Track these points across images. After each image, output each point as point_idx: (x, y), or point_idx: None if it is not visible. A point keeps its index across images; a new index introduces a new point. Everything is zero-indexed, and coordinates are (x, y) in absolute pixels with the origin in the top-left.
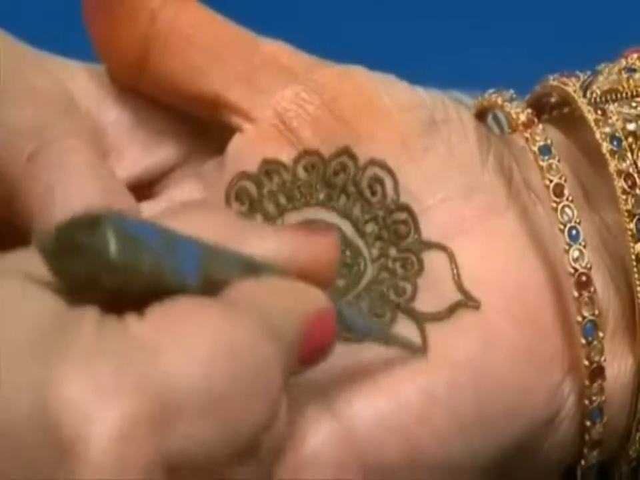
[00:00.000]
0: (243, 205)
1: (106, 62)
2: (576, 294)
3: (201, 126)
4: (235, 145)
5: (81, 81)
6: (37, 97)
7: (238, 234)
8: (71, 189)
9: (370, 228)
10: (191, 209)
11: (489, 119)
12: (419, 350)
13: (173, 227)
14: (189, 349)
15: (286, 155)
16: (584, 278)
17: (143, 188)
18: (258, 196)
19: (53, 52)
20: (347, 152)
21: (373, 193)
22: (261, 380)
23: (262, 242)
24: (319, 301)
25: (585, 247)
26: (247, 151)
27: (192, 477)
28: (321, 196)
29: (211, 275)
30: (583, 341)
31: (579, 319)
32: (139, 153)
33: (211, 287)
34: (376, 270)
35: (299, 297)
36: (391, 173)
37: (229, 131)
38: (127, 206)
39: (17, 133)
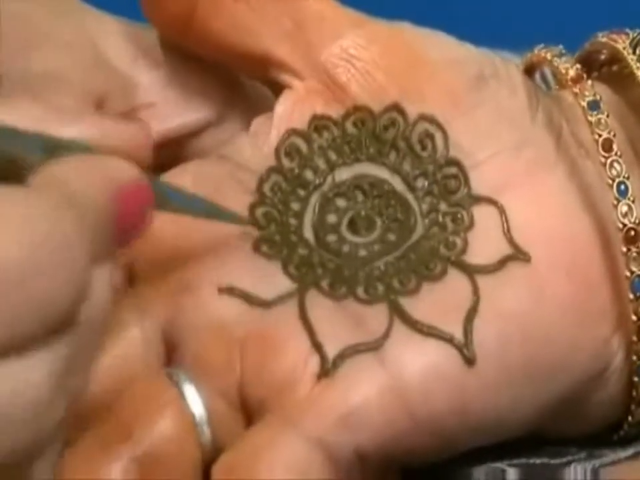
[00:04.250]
0: (293, 161)
1: (152, 19)
2: (624, 249)
3: (234, 87)
4: (284, 101)
5: (115, 38)
6: (59, 48)
7: (53, 121)
8: None
9: (420, 183)
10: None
11: (537, 77)
12: (247, 222)
13: None
14: None
15: (334, 111)
16: (632, 233)
17: (174, 145)
18: (308, 152)
19: (98, 7)
20: (396, 108)
21: (423, 148)
22: (61, 257)
23: (72, 127)
24: (128, 173)
25: (633, 201)
26: (295, 107)
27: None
28: (371, 151)
29: (7, 155)
30: (631, 296)
31: (627, 273)
32: (171, 111)
33: (11, 168)
34: (426, 225)
35: (106, 170)
36: (440, 127)
37: (260, 95)
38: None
39: (26, 79)
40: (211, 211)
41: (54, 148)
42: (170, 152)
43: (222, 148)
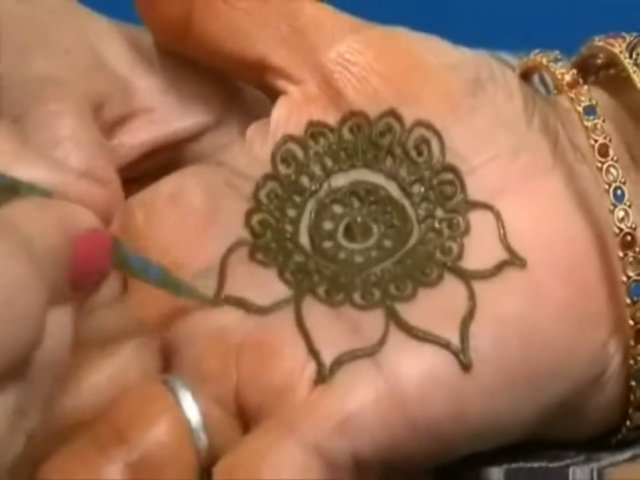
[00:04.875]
0: (289, 167)
1: (148, 24)
2: (621, 254)
3: (232, 91)
4: (280, 107)
5: (114, 42)
6: (58, 52)
7: (13, 159)
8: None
9: (416, 189)
10: None
11: (536, 80)
12: (205, 299)
13: None
14: None
15: (331, 117)
16: (629, 238)
17: (172, 149)
18: (304, 158)
19: (95, 10)
20: (392, 113)
21: (419, 154)
22: (15, 303)
23: (33, 169)
24: (87, 221)
25: (630, 206)
26: (291, 113)
27: None
28: (367, 157)
29: None
30: (628, 301)
31: (624, 278)
32: (169, 115)
33: None
34: (422, 231)
35: (62, 215)
36: (437, 133)
37: (259, 100)
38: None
39: (24, 82)
40: (168, 282)
41: (12, 188)
42: (168, 156)
43: (218, 154)
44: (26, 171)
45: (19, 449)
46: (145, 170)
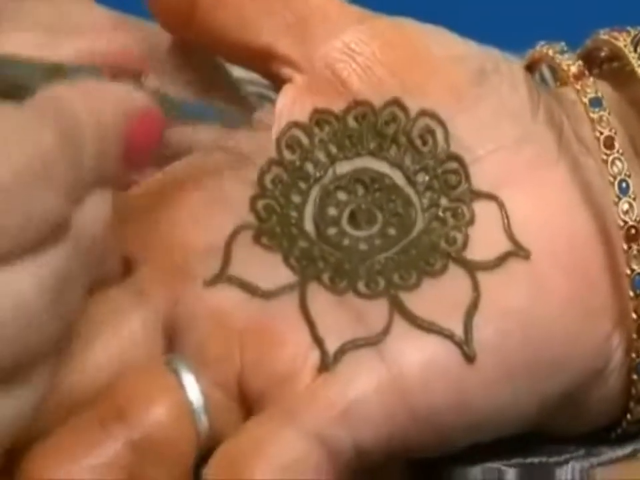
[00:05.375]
0: (294, 154)
1: (155, 12)
2: (625, 246)
3: (215, 79)
4: (285, 94)
5: (99, 28)
6: (38, 30)
7: (51, 39)
8: None
9: (421, 178)
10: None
11: (536, 77)
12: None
13: None
14: None
15: (335, 106)
16: (633, 231)
17: None
18: (309, 145)
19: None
20: (397, 103)
21: (424, 143)
22: (43, 171)
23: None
24: (137, 99)
25: (634, 199)
26: (296, 100)
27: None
28: (372, 145)
29: (12, 82)
30: (631, 294)
31: (628, 271)
32: None
33: (13, 93)
34: (427, 220)
35: (116, 95)
36: (441, 123)
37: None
38: None
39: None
40: (222, 115)
41: (58, 73)
42: None
43: (222, 140)
44: (66, 50)
45: (53, 327)
46: None
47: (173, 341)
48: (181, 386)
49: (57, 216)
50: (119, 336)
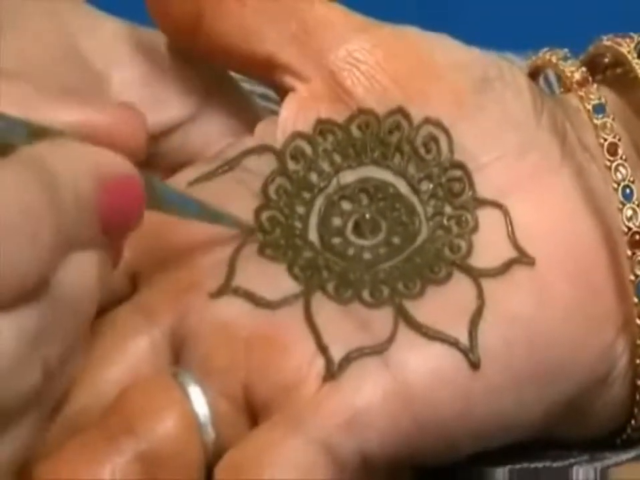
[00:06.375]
0: (298, 164)
1: (159, 23)
2: (629, 253)
3: (211, 87)
4: (288, 104)
5: (99, 36)
6: (25, 36)
7: (38, 105)
8: None
9: (425, 186)
10: None
11: (541, 82)
12: (245, 226)
13: None
14: None
15: (339, 115)
16: (637, 237)
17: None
18: (313, 154)
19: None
20: (400, 111)
21: (428, 151)
22: (26, 229)
23: (59, 112)
24: (118, 164)
25: (638, 205)
26: (300, 110)
27: None
28: (376, 154)
29: None
30: (636, 300)
31: (632, 277)
32: (144, 109)
33: None
34: (431, 228)
35: (94, 158)
36: (445, 131)
37: (238, 95)
38: None
39: None
40: (208, 214)
41: (40, 134)
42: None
43: (226, 151)
44: (47, 113)
45: (35, 380)
46: None
47: (179, 354)
48: (187, 398)
49: (39, 274)
50: (127, 357)
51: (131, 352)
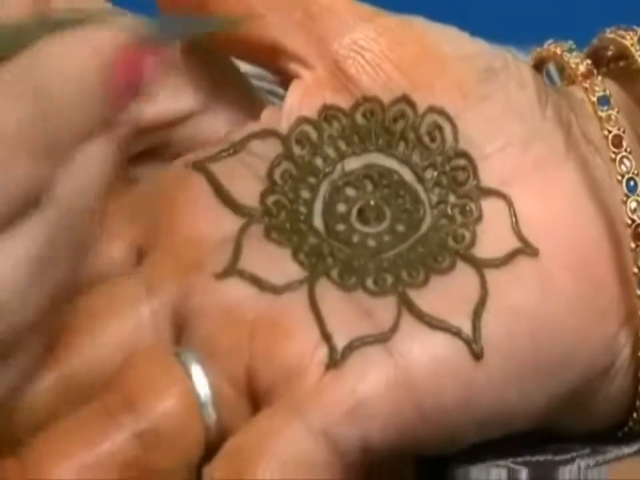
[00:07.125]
0: (304, 149)
1: (164, 9)
2: (633, 245)
3: (220, 78)
4: (293, 91)
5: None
6: None
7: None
8: None
9: (429, 174)
10: None
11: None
12: (234, 22)
13: None
14: None
15: (343, 102)
16: None
17: (156, 132)
18: (318, 140)
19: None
20: (405, 99)
21: (432, 140)
22: (10, 137)
23: None
24: (115, 39)
25: None
26: (304, 97)
27: None
28: (380, 142)
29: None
30: (639, 292)
31: (635, 270)
32: (156, 97)
33: None
34: (435, 216)
35: (91, 41)
36: (450, 119)
37: (247, 87)
38: None
39: None
40: (204, 25)
41: (52, 27)
42: (151, 140)
43: (232, 135)
44: None
45: (40, 301)
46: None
47: (181, 334)
48: (189, 378)
49: (33, 183)
50: (127, 324)
51: (131, 321)
